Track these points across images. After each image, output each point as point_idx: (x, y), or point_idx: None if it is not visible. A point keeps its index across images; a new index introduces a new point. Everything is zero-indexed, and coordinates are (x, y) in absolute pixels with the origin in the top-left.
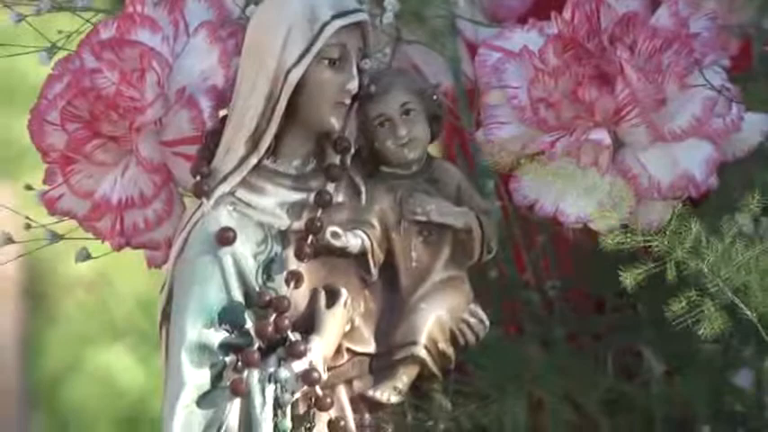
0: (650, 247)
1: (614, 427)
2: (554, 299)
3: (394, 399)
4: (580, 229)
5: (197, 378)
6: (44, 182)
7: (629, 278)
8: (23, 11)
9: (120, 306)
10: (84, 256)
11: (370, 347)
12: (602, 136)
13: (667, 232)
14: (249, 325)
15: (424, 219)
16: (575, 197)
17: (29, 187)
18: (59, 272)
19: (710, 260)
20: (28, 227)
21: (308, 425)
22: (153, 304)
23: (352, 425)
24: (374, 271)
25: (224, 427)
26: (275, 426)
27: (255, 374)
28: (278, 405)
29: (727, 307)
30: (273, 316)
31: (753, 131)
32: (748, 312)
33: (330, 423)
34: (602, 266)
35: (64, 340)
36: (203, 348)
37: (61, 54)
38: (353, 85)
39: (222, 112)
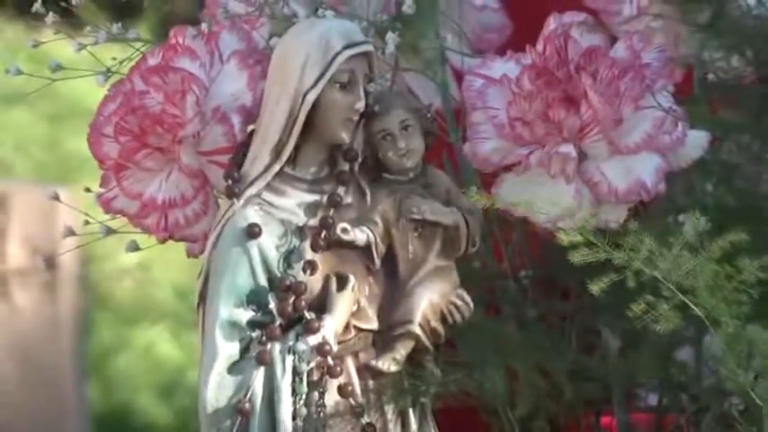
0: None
1: (577, 392)
2: (527, 286)
3: (393, 368)
4: (550, 228)
5: (228, 350)
6: (100, 185)
7: (595, 286)
8: (84, 41)
9: (159, 293)
10: (134, 247)
11: (374, 325)
12: (569, 149)
13: (625, 247)
14: (272, 305)
15: (419, 217)
16: (545, 200)
17: (88, 190)
18: (109, 264)
19: (663, 268)
20: (86, 223)
21: (321, 389)
22: (187, 292)
23: (358, 389)
24: (377, 261)
25: (250, 391)
26: (293, 390)
27: (277, 347)
28: (296, 373)
29: (678, 306)
30: (293, 298)
31: (695, 146)
32: (698, 311)
33: (339, 388)
34: (567, 259)
35: (112, 322)
36: (234, 325)
37: (115, 78)
38: (361, 105)
39: (250, 128)
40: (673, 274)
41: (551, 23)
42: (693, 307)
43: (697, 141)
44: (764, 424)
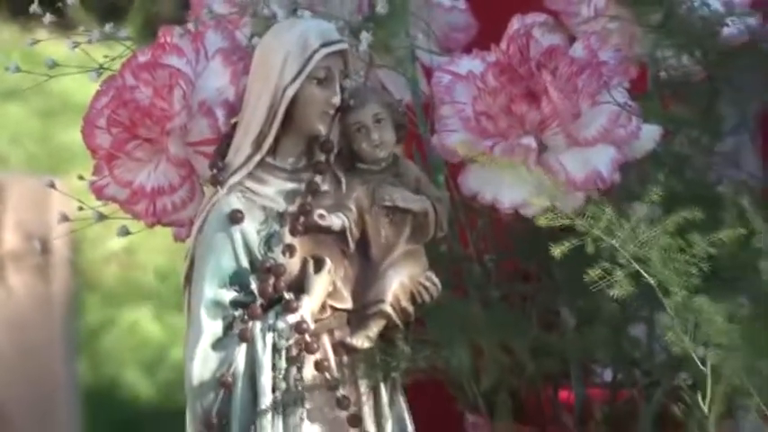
0: (567, 228)
1: (537, 368)
2: (491, 269)
3: (366, 344)
4: (512, 215)
5: (212, 327)
6: (93, 174)
7: (557, 250)
8: (78, 39)
9: (143, 276)
10: (125, 232)
11: (348, 304)
12: (530, 141)
13: (586, 216)
14: (254, 286)
15: (390, 204)
16: (508, 188)
17: (81, 178)
18: (97, 249)
19: (620, 237)
20: (80, 209)
21: (299, 364)
22: (169, 275)
23: (333, 364)
24: (352, 245)
25: (233, 366)
26: (273, 365)
27: (258, 325)
28: (275, 349)
29: (632, 275)
30: (273, 279)
31: (648, 139)
32: (650, 279)
33: (316, 363)
34: (528, 244)
35: (100, 302)
36: (217, 304)
37: (107, 74)
38: (336, 100)
39: (233, 120)
40: (629, 244)
41: (514, 24)
42: (646, 276)
43: (650, 134)
44: (709, 389)
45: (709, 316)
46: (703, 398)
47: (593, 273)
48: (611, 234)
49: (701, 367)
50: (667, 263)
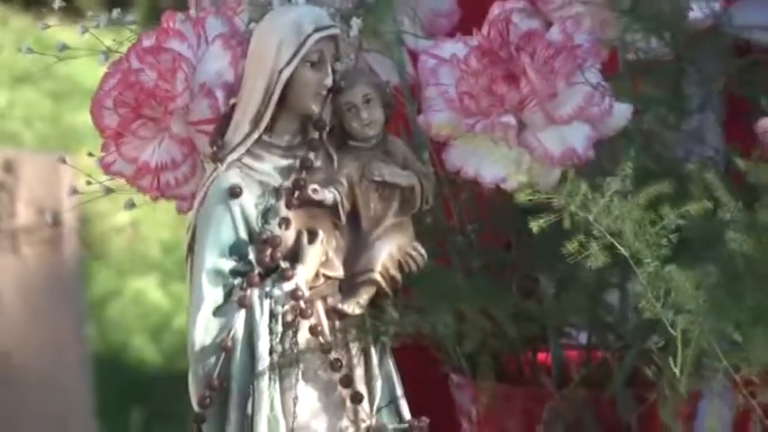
0: (546, 201)
1: (518, 331)
2: (473, 239)
3: (357, 310)
4: (493, 189)
5: (213, 295)
6: (101, 151)
7: (535, 225)
8: (87, 25)
9: (148, 248)
10: (130, 204)
11: (340, 273)
12: (510, 119)
13: (564, 191)
14: (252, 256)
15: (379, 179)
16: (490, 164)
17: (90, 154)
18: (104, 222)
19: (595, 212)
20: (89, 183)
21: (294, 329)
22: (172, 247)
23: (326, 329)
24: (343, 217)
25: (233, 331)
26: (270, 330)
27: (256, 292)
28: (272, 315)
29: (606, 247)
30: (269, 250)
31: (620, 117)
32: (623, 250)
33: (310, 328)
34: (508, 215)
35: (107, 273)
36: (218, 273)
37: (114, 58)
38: (328, 81)
39: (232, 101)
40: (603, 218)
41: (495, 10)
42: (620, 247)
43: (622, 113)
44: (679, 352)
45: (679, 284)
46: (674, 359)
47: (570, 245)
48: (587, 209)
49: (672, 331)
50: (639, 235)
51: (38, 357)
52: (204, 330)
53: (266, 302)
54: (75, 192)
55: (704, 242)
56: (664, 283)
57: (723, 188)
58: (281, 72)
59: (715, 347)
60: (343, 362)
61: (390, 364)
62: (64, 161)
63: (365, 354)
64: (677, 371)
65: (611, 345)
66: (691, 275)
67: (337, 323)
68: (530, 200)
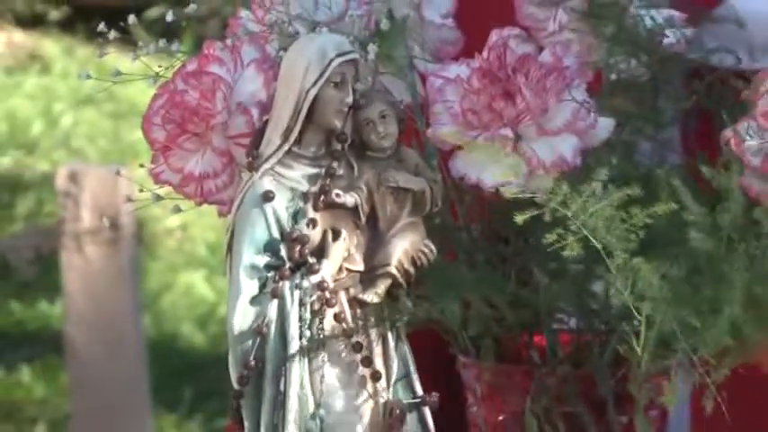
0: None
1: (515, 317)
2: (476, 236)
3: (375, 300)
4: (493, 192)
5: (250, 287)
6: (151, 162)
7: (519, 218)
8: (138, 53)
9: (196, 248)
10: (177, 209)
11: (360, 267)
12: (507, 132)
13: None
14: (283, 253)
15: (394, 185)
16: (490, 171)
17: (142, 166)
18: (158, 225)
19: (573, 209)
20: (140, 191)
21: (321, 317)
22: (216, 247)
23: (349, 316)
24: (363, 218)
25: (266, 318)
26: (299, 317)
27: (287, 284)
28: (301, 303)
29: (581, 239)
30: (299, 247)
31: (603, 129)
32: (596, 244)
33: (335, 315)
34: (506, 217)
35: (161, 269)
36: (253, 268)
37: (162, 81)
38: (349, 100)
39: (265, 117)
40: (580, 215)
41: (493, 36)
42: (593, 240)
43: (605, 126)
44: (643, 335)
45: (645, 275)
46: (638, 341)
47: (550, 237)
48: (566, 206)
49: (637, 315)
50: (611, 230)
51: (100, 342)
52: (242, 318)
53: (296, 293)
54: (130, 199)
55: (669, 239)
56: (632, 273)
57: (687, 192)
58: (308, 92)
59: (675, 331)
60: (364, 345)
61: (405, 346)
62: (119, 173)
63: (383, 338)
64: (640, 351)
65: (595, 328)
66: (655, 267)
67: (358, 311)
68: (516, 199)
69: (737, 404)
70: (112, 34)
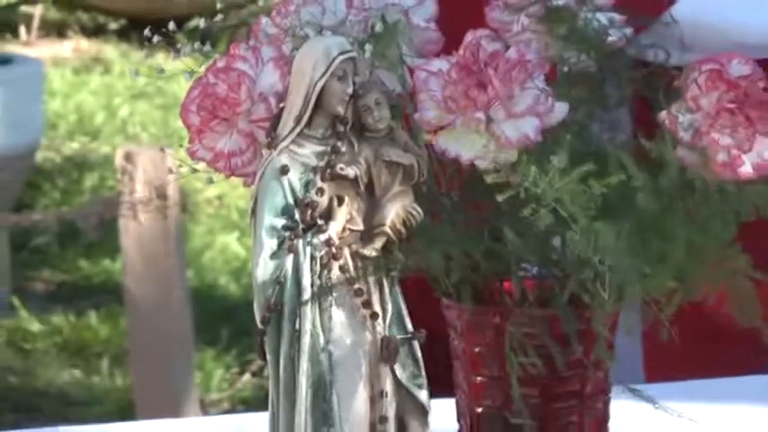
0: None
1: (489, 267)
2: (456, 202)
3: (373, 253)
4: (469, 165)
5: (270, 244)
6: (188, 143)
7: (500, 197)
8: (177, 54)
9: (230, 214)
10: (210, 181)
11: (361, 227)
12: (480, 115)
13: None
14: (297, 216)
15: (388, 159)
16: (466, 148)
17: (180, 146)
18: (198, 195)
19: (542, 186)
20: (179, 166)
21: (329, 268)
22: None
23: (352, 268)
24: (362, 187)
25: (284, 269)
26: (311, 268)
27: (300, 242)
28: (312, 258)
29: (551, 210)
30: (310, 211)
31: (559, 112)
32: (563, 212)
33: (340, 267)
34: (480, 185)
35: (202, 232)
36: (273, 228)
37: (196, 76)
38: (350, 90)
39: (281, 105)
40: (548, 190)
41: (468, 37)
42: (560, 210)
43: (560, 109)
44: (606, 282)
45: (603, 235)
46: (602, 286)
47: (526, 211)
48: (536, 184)
49: (599, 267)
50: (574, 201)
51: (152, 292)
52: (264, 270)
53: (308, 249)
54: (171, 171)
55: (621, 204)
56: (593, 234)
57: (632, 164)
58: (316, 84)
59: (630, 278)
60: (364, 290)
61: (398, 291)
62: (163, 151)
63: (379, 284)
64: (606, 296)
65: (556, 275)
66: (612, 228)
67: (359, 263)
68: (494, 179)
69: (686, 338)
70: (156, 39)
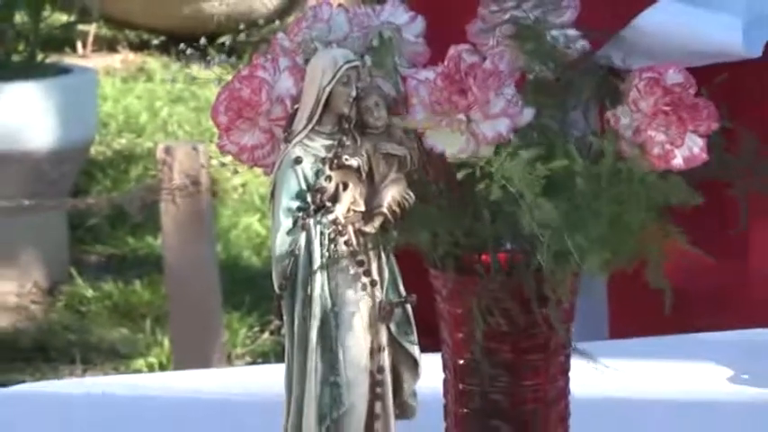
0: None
1: (469, 243)
2: (442, 188)
3: (372, 231)
4: (452, 158)
5: (286, 223)
6: (218, 138)
7: (459, 174)
8: (208, 64)
9: (253, 199)
10: (234, 171)
11: (362, 208)
12: (462, 117)
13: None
14: (309, 199)
15: (385, 152)
16: (449, 144)
17: (211, 141)
18: (226, 183)
19: (495, 167)
20: (210, 158)
21: (335, 243)
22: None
23: (354, 242)
24: (363, 175)
25: (297, 244)
26: (320, 243)
27: (311, 221)
28: (321, 234)
29: (502, 186)
30: (319, 195)
31: (527, 115)
32: (513, 190)
33: (345, 242)
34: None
35: (229, 214)
36: (288, 209)
37: (224, 82)
38: (353, 93)
39: (296, 106)
40: (500, 170)
41: (451, 51)
42: (510, 188)
43: (528, 113)
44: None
45: (548, 209)
46: (550, 257)
47: (480, 186)
48: (491, 165)
49: (542, 239)
50: (522, 180)
51: (188, 264)
52: (280, 244)
53: (318, 227)
54: (203, 166)
55: (563, 185)
56: (539, 210)
57: (576, 152)
58: (324, 88)
59: (571, 249)
60: (365, 261)
61: (393, 261)
62: (196, 149)
63: (378, 256)
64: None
65: (523, 249)
66: (554, 206)
67: (361, 239)
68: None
69: (650, 300)
70: (191, 53)
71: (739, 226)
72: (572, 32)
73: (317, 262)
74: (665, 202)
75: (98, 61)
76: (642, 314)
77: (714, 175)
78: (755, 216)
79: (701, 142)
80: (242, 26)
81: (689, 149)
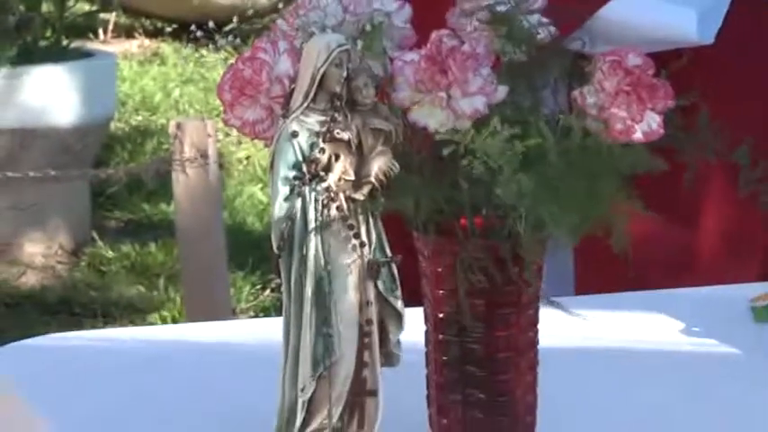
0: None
1: (449, 208)
2: (424, 159)
3: (361, 197)
4: (433, 132)
5: (284, 190)
6: (223, 113)
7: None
8: (216, 47)
9: (256, 170)
10: (238, 143)
11: (352, 177)
12: (443, 95)
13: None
14: (304, 169)
15: (373, 127)
16: (432, 119)
17: (218, 115)
18: (231, 156)
19: (476, 144)
20: (216, 131)
21: (328, 208)
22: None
23: (345, 208)
24: (353, 147)
25: (295, 209)
26: (315, 208)
27: (306, 188)
28: (315, 200)
29: (483, 162)
30: (314, 165)
31: (501, 93)
32: (492, 164)
33: (337, 207)
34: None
35: (234, 183)
36: (286, 178)
37: (229, 63)
38: (345, 74)
39: (293, 86)
40: (481, 147)
41: (433, 35)
42: (490, 163)
43: (502, 90)
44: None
45: (524, 182)
46: (527, 225)
47: (465, 162)
48: (473, 142)
49: (520, 209)
50: (501, 156)
51: (197, 228)
52: (279, 209)
53: (312, 194)
54: (211, 138)
55: (538, 160)
56: (515, 183)
57: (547, 130)
58: (319, 69)
59: (545, 217)
60: (354, 225)
61: (380, 225)
62: (204, 124)
63: (366, 221)
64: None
65: (498, 215)
66: (530, 179)
67: (351, 204)
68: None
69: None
70: (199, 33)
71: (689, 187)
72: (542, 19)
73: (311, 225)
74: (631, 171)
75: (117, 46)
76: (605, 273)
77: (668, 143)
78: (704, 184)
79: (658, 118)
80: (250, 12)
81: (647, 125)
